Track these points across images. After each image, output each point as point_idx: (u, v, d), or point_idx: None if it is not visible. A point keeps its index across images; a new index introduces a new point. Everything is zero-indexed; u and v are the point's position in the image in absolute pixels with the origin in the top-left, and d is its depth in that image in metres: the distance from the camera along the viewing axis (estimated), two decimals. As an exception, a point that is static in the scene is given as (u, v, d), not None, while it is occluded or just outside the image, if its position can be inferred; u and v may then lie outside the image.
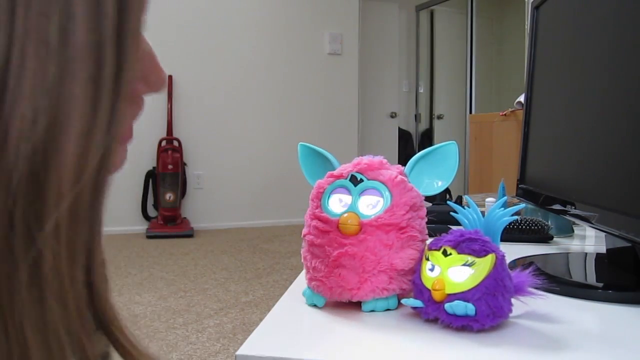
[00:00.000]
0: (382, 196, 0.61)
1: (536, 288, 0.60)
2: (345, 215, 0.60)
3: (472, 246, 0.55)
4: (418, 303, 0.57)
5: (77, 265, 0.27)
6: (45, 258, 0.25)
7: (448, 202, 0.75)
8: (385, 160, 0.64)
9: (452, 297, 0.54)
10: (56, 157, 0.26)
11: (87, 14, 0.27)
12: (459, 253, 0.55)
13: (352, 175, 0.63)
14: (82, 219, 0.27)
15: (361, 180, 0.62)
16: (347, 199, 0.62)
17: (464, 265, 0.54)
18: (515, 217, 0.62)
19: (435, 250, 0.57)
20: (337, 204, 0.62)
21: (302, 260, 0.64)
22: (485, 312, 0.53)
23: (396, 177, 0.61)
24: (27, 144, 0.25)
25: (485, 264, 0.54)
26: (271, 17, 4.76)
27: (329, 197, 0.63)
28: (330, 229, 0.60)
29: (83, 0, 0.27)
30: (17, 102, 0.25)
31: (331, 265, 0.60)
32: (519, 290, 0.58)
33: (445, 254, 0.56)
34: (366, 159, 0.64)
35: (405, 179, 0.62)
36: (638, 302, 0.65)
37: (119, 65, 0.28)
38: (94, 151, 0.27)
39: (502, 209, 0.60)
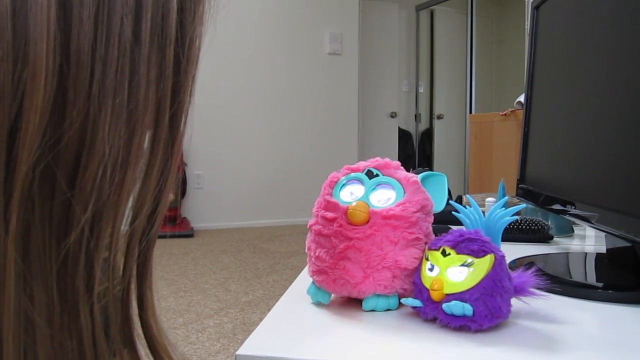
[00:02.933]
0: (395, 192, 0.62)
1: (538, 288, 0.60)
2: (355, 203, 0.60)
3: (471, 246, 0.55)
4: (417, 303, 0.57)
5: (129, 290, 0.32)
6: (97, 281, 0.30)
7: (450, 201, 0.75)
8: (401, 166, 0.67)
9: (450, 297, 0.54)
10: (117, 205, 0.30)
11: (149, 73, 0.31)
12: (457, 253, 0.55)
13: (369, 170, 0.64)
14: (134, 249, 0.32)
15: (377, 175, 0.63)
16: (360, 190, 0.63)
17: (463, 265, 0.54)
18: (516, 217, 0.62)
19: (435, 250, 0.57)
20: (349, 194, 0.63)
21: (307, 251, 0.64)
22: (483, 313, 0.53)
23: (412, 177, 0.63)
24: (95, 196, 0.29)
25: (484, 264, 0.54)
26: (271, 17, 4.76)
27: (341, 188, 0.64)
28: (337, 215, 0.60)
29: (146, 62, 0.30)
30: (93, 156, 0.28)
31: (337, 257, 0.60)
32: (520, 291, 0.58)
33: (444, 254, 0.56)
34: (383, 159, 0.66)
35: (419, 182, 0.63)
36: (638, 302, 0.65)
37: (172, 122, 0.33)
38: (149, 199, 0.32)
39: (503, 209, 0.60)
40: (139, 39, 0.30)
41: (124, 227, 0.31)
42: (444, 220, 1.02)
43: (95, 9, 0.28)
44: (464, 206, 0.63)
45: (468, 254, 0.55)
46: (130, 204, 0.31)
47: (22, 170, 0.26)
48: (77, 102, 0.27)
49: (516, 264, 0.80)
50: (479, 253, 0.55)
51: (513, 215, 0.59)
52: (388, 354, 0.52)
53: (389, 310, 0.61)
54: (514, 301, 0.57)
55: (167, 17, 0.31)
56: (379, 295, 0.61)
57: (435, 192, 0.66)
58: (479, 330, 0.54)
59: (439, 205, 0.66)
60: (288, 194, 4.64)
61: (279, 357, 0.51)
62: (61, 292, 0.28)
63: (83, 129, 0.28)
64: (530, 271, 0.59)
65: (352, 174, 0.65)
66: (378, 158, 0.66)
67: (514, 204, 0.76)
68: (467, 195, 0.72)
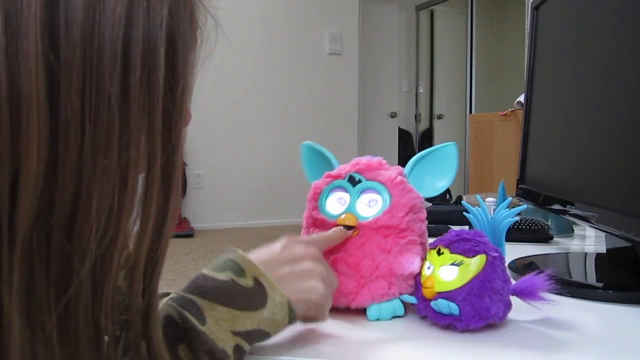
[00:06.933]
0: (381, 197, 0.60)
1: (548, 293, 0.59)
2: (343, 216, 0.59)
3: (462, 246, 0.55)
4: (412, 299, 0.58)
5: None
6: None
7: (462, 202, 0.75)
8: (384, 161, 0.63)
9: (440, 295, 0.54)
10: (112, 255, 0.32)
11: (139, 129, 0.32)
12: (450, 252, 0.55)
13: (350, 176, 0.62)
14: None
15: (359, 181, 0.61)
16: (345, 199, 0.61)
17: (453, 264, 0.54)
18: (517, 218, 0.62)
19: (432, 248, 0.58)
20: (335, 205, 0.62)
21: None
22: (469, 313, 0.53)
23: (395, 177, 0.61)
24: (91, 250, 0.31)
25: (474, 264, 0.54)
26: (271, 17, 4.76)
27: (326, 198, 0.63)
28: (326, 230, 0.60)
29: (135, 119, 0.31)
30: (87, 215, 0.30)
31: None
32: (529, 295, 0.57)
33: (438, 252, 0.56)
34: (364, 159, 0.63)
35: (405, 180, 0.62)
36: (638, 302, 0.65)
37: (166, 166, 0.34)
38: (147, 242, 0.35)
39: (507, 209, 0.60)
40: (127, 97, 0.30)
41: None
42: (444, 220, 1.02)
43: (82, 72, 0.29)
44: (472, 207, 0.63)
45: (459, 254, 0.55)
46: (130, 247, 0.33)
47: (21, 233, 0.28)
48: (68, 166, 0.29)
49: (516, 264, 0.80)
50: (468, 253, 0.54)
51: (514, 216, 0.59)
52: (388, 354, 0.52)
53: (396, 317, 0.59)
54: (514, 301, 0.57)
55: (154, 72, 0.31)
56: (380, 303, 0.59)
57: (442, 166, 0.63)
58: (466, 330, 0.54)
59: (445, 182, 0.63)
60: (288, 194, 4.64)
61: (279, 357, 0.51)
62: (62, 343, 0.30)
63: (76, 190, 0.29)
64: (542, 275, 0.58)
65: (335, 182, 0.62)
66: (359, 160, 0.63)
67: (514, 205, 0.76)
68: (477, 196, 0.72)
